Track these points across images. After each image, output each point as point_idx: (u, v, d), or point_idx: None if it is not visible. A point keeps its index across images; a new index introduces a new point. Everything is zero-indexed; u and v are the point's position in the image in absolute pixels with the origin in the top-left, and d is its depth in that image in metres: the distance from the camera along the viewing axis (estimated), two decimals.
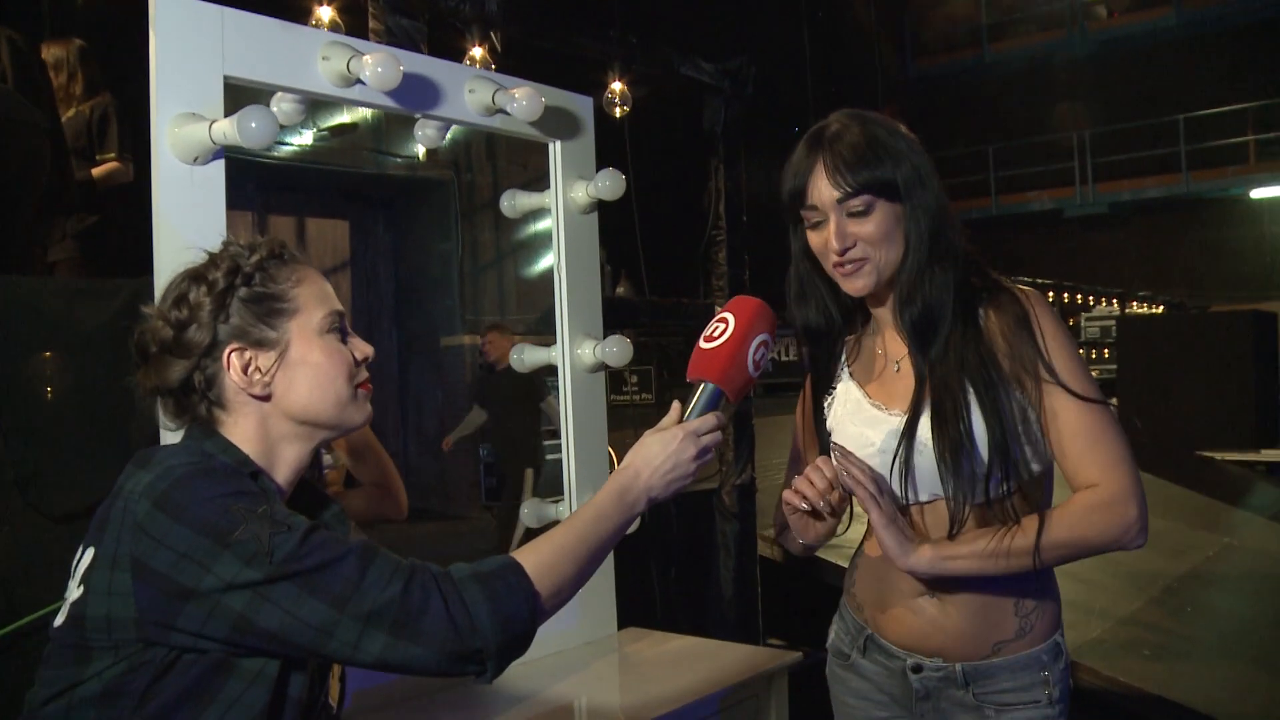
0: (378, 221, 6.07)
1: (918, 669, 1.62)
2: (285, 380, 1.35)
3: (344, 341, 1.41)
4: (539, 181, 2.75)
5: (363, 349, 1.42)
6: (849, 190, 1.50)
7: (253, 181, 1.89)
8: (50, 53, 4.34)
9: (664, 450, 1.42)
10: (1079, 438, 1.49)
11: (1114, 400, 9.95)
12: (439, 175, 5.87)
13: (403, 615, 1.19)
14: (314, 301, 1.38)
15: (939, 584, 1.58)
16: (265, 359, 1.34)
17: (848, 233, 1.52)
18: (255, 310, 1.34)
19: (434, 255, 5.96)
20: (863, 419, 1.63)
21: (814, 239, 1.57)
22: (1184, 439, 8.19)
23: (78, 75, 4.31)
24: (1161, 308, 14.89)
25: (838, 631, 1.77)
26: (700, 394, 1.47)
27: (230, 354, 1.33)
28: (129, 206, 4.42)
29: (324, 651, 1.20)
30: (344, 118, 5.33)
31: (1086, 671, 3.62)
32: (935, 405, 1.52)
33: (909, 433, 1.53)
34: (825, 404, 1.70)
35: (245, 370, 1.33)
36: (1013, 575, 1.54)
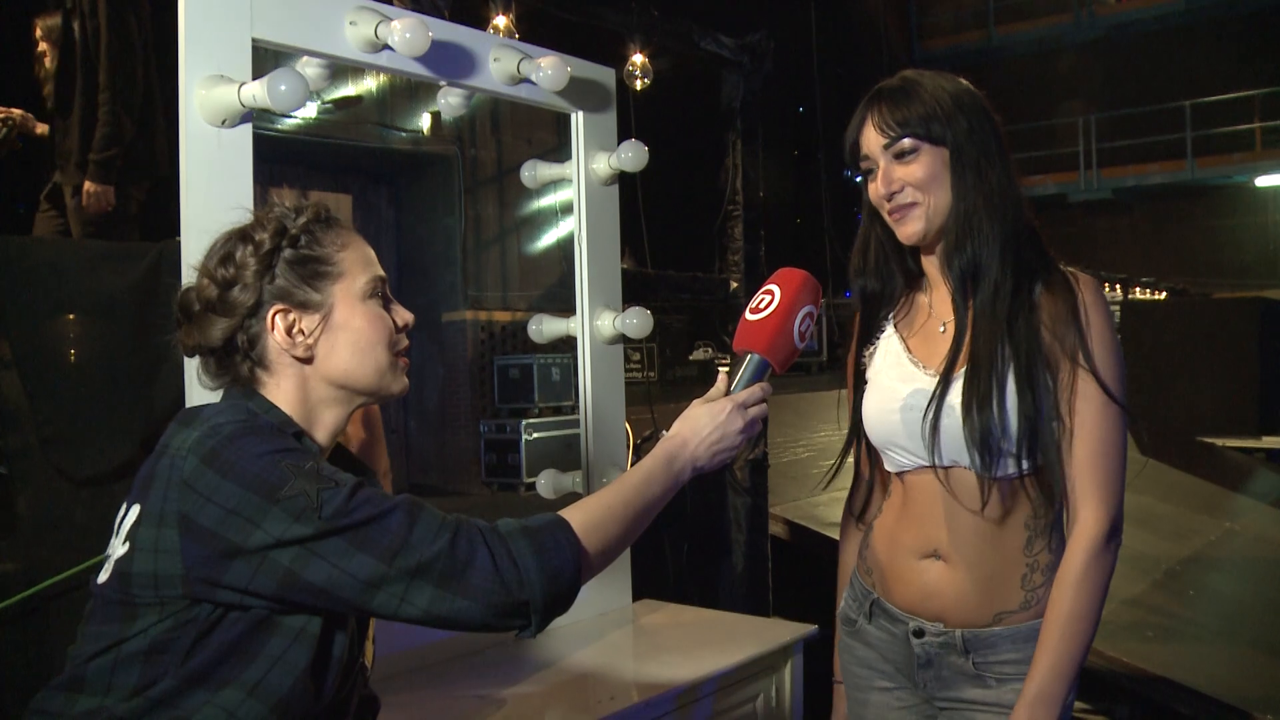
0: (380, 196, 6.05)
1: (919, 633, 1.62)
2: (328, 344, 1.36)
3: (386, 308, 1.41)
4: (545, 156, 2.75)
5: (404, 316, 1.43)
6: (893, 135, 1.55)
7: (254, 153, 1.89)
8: (44, 24, 4.31)
9: (712, 421, 1.44)
10: (1090, 441, 1.51)
11: None
12: (443, 150, 5.85)
13: (450, 568, 1.21)
14: (358, 266, 1.39)
15: (946, 546, 1.59)
16: (309, 321, 1.35)
17: (894, 176, 1.56)
18: (300, 272, 1.35)
19: (437, 230, 5.95)
20: (898, 373, 1.64)
21: (870, 191, 1.61)
22: (1186, 425, 8.21)
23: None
24: (1164, 294, 14.87)
25: (847, 599, 1.78)
26: (746, 366, 1.49)
27: (274, 315, 1.33)
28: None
29: (370, 606, 1.20)
30: (348, 90, 5.32)
31: (1090, 652, 3.64)
32: (971, 364, 1.53)
33: (942, 390, 1.54)
34: (866, 353, 1.72)
35: (289, 331, 1.34)
36: (1021, 549, 1.55)
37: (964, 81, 1.60)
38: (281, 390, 1.36)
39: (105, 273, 2.27)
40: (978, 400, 1.50)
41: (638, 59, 3.48)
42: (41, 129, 4.19)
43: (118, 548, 1.26)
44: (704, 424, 1.44)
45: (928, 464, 1.58)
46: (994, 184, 1.54)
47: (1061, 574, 1.52)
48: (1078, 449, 1.51)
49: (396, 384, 1.42)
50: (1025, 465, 1.52)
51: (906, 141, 1.54)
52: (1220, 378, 8.54)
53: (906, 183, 1.56)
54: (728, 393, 1.48)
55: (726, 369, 1.52)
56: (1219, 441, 7.97)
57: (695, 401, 1.48)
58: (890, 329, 1.70)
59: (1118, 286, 14.09)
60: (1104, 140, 17.68)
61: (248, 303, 1.32)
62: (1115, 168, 17.76)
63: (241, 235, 1.35)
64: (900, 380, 1.63)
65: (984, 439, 1.49)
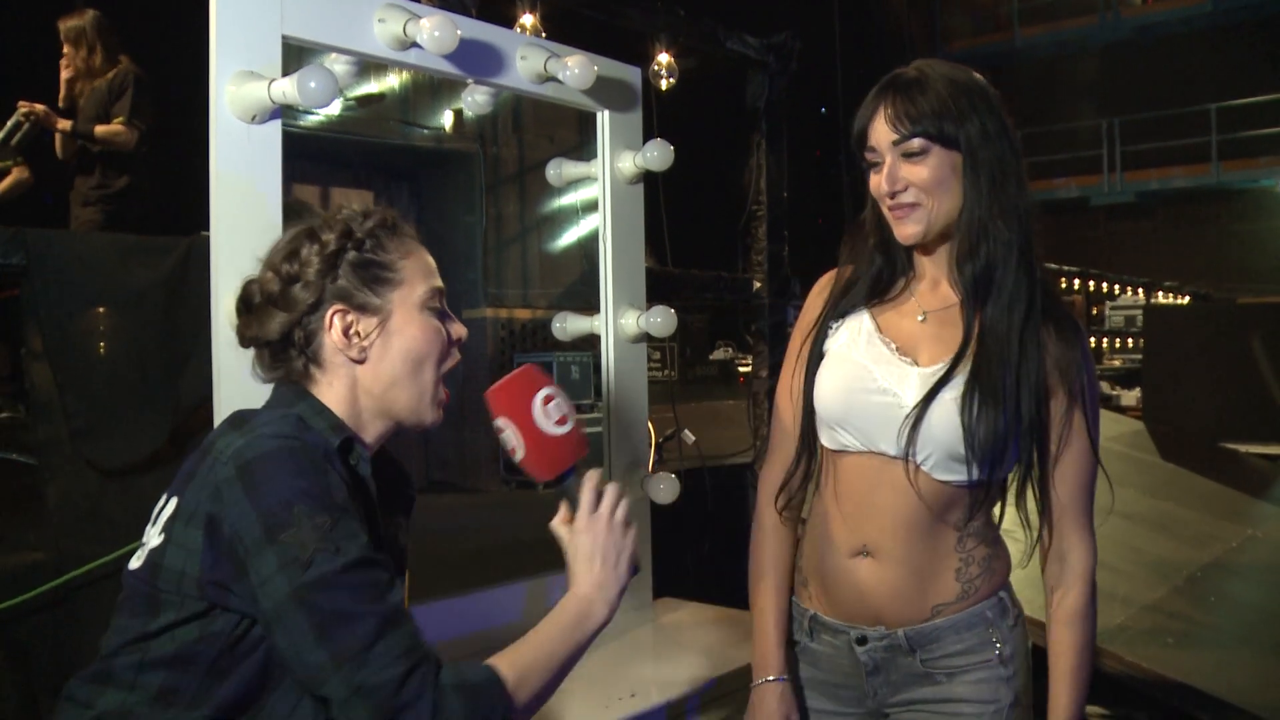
0: (402, 193, 6.09)
1: (863, 640, 1.60)
2: (381, 348, 1.38)
3: (442, 320, 1.43)
4: (567, 154, 2.75)
5: (458, 330, 1.45)
6: (904, 133, 1.50)
7: None
8: (67, 25, 4.36)
9: (579, 556, 1.39)
10: (1074, 479, 1.55)
11: (1138, 390, 9.92)
12: (465, 148, 5.87)
13: (389, 703, 1.17)
14: (419, 276, 1.41)
15: (875, 541, 1.57)
16: (366, 324, 1.37)
17: (899, 176, 1.52)
18: (362, 275, 1.37)
19: (458, 227, 5.97)
20: (870, 353, 1.59)
21: (873, 181, 1.57)
22: (1208, 430, 8.15)
23: (96, 48, 4.33)
24: (1188, 298, 14.77)
25: (792, 620, 1.73)
26: (564, 487, 1.41)
27: (333, 314, 1.35)
28: (155, 171, 4.46)
29: (315, 691, 1.20)
30: (372, 87, 5.34)
31: (1109, 657, 3.62)
32: (977, 365, 1.50)
33: (937, 386, 1.51)
34: (831, 328, 1.65)
35: (346, 332, 1.36)
36: (953, 546, 1.56)
37: (980, 78, 1.55)
38: (334, 390, 1.38)
39: (135, 266, 2.29)
40: (988, 408, 1.48)
41: (663, 58, 3.48)
42: (64, 124, 4.24)
43: (153, 537, 1.28)
44: (581, 568, 1.39)
45: (882, 452, 1.54)
46: (1010, 192, 1.51)
47: (1069, 610, 1.55)
48: (1069, 480, 1.54)
49: (431, 414, 1.43)
50: (979, 475, 1.50)
51: (916, 142, 1.50)
52: (1243, 383, 8.47)
53: (911, 183, 1.52)
54: (570, 523, 1.41)
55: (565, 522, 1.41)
56: (1241, 448, 7.91)
57: (563, 550, 1.41)
58: (862, 309, 1.65)
59: (1140, 290, 14.01)
60: (1128, 143, 17.58)
61: (308, 300, 1.35)
62: (1139, 171, 17.65)
63: (309, 233, 1.38)
64: (873, 361, 1.58)
65: (987, 438, 1.47)
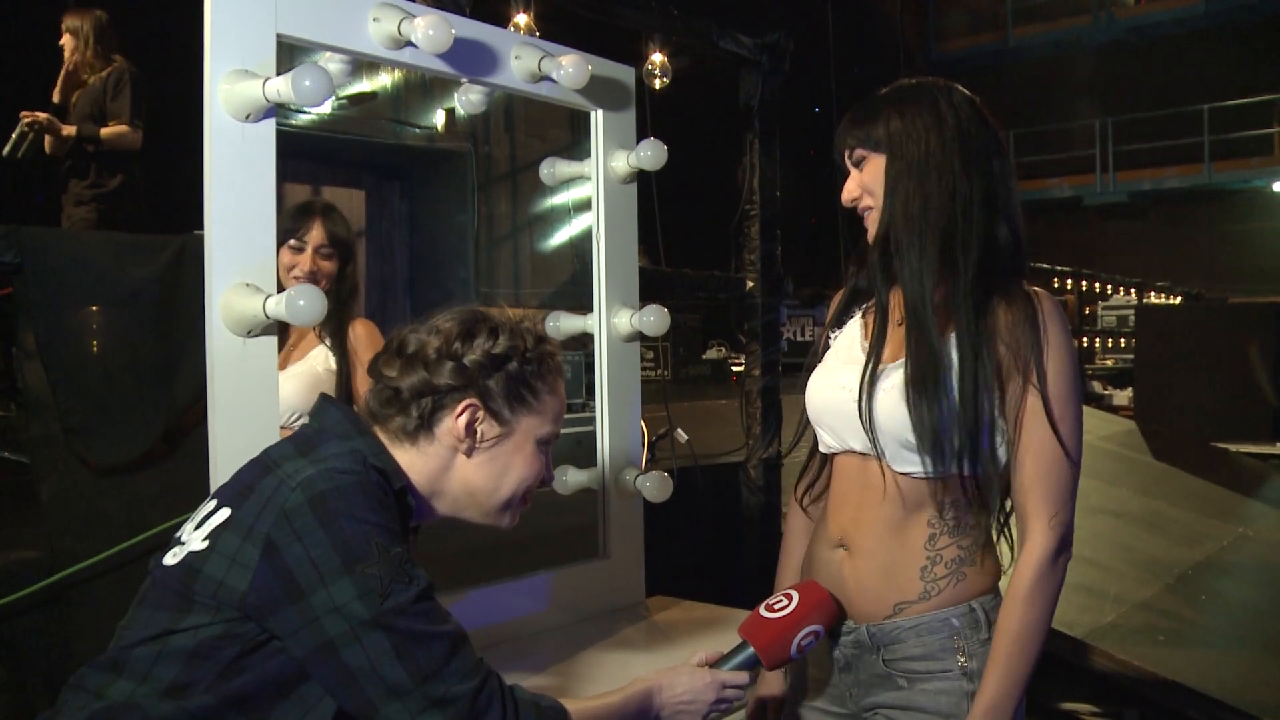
0: (394, 191, 6.06)
1: (834, 634, 1.64)
2: (489, 457, 1.45)
3: (544, 460, 1.51)
4: (559, 154, 2.76)
5: (550, 476, 1.54)
6: (848, 145, 1.63)
7: None
8: (69, 24, 4.37)
9: (690, 684, 1.54)
10: (1038, 459, 1.51)
11: (1130, 390, 9.97)
12: (456, 147, 5.86)
13: (465, 713, 1.28)
14: (550, 414, 1.50)
15: (850, 535, 1.61)
16: (489, 429, 1.44)
17: (849, 184, 1.64)
18: (510, 388, 1.45)
19: (450, 227, 5.95)
20: (845, 356, 1.67)
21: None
22: (1200, 430, 8.19)
23: (90, 43, 4.35)
24: (1179, 298, 14.82)
25: None
26: (741, 652, 1.59)
27: (467, 405, 1.42)
28: (148, 169, 4.46)
29: (380, 710, 1.26)
30: (363, 86, 5.33)
31: (1101, 655, 3.65)
32: (909, 355, 1.53)
33: (876, 376, 1.55)
34: (832, 336, 1.75)
35: (469, 425, 1.43)
36: (923, 544, 1.56)
37: (936, 81, 1.61)
38: (424, 461, 1.44)
39: (128, 265, 2.30)
40: (922, 398, 1.50)
41: (657, 58, 3.48)
42: (68, 130, 4.23)
43: (195, 541, 1.30)
44: (681, 682, 1.54)
45: (848, 448, 1.62)
46: (930, 185, 1.54)
47: (1010, 591, 1.52)
48: (1027, 466, 1.51)
49: (506, 520, 1.52)
50: (934, 469, 1.51)
51: (856, 151, 1.62)
52: (1235, 383, 8.52)
53: (861, 187, 1.62)
54: (716, 667, 1.58)
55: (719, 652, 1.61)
56: (1233, 447, 7.94)
57: (687, 662, 1.59)
58: (858, 316, 1.72)
59: (1132, 290, 14.06)
60: (1121, 143, 17.64)
61: (455, 382, 1.41)
62: (1131, 171, 17.72)
63: (491, 327, 1.45)
64: (842, 361, 1.66)
65: (926, 434, 1.49)
